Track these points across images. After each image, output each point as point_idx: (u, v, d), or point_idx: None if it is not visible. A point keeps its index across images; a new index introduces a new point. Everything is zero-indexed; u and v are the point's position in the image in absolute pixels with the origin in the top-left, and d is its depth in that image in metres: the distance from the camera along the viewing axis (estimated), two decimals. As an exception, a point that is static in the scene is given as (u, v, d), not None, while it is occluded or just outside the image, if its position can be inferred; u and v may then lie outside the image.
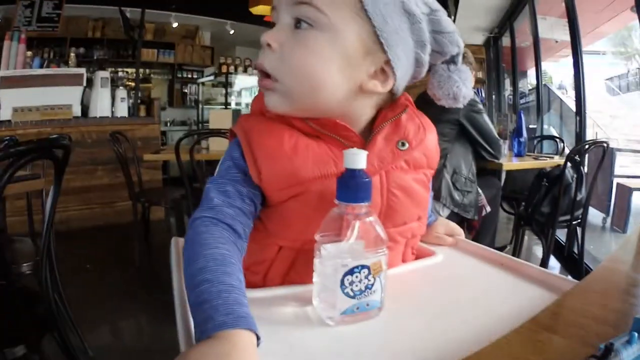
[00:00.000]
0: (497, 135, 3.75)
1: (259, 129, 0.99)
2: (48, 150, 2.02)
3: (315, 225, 0.84)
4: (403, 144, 1.02)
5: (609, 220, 6.27)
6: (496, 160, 3.77)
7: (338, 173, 0.92)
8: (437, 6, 1.03)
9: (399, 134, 1.02)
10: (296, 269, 1.00)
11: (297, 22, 0.95)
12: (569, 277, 0.99)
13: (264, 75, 0.99)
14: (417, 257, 1.17)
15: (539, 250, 5.31)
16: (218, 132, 3.94)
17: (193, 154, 3.72)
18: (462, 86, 1.10)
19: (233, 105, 9.93)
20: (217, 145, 4.39)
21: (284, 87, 0.96)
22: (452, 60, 1.10)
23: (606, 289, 0.83)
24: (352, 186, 0.76)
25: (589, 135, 5.51)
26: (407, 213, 1.05)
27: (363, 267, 0.76)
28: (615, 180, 6.25)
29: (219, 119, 4.64)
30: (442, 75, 1.10)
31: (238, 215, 0.92)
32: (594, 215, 4.17)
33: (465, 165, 3.61)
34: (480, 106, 3.64)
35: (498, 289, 1.01)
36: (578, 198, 3.90)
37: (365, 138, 1.01)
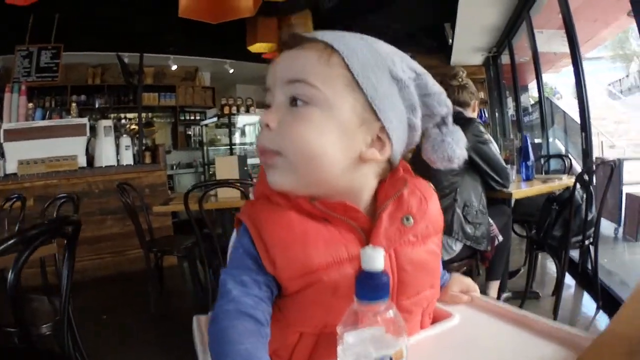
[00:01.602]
0: (504, 164, 3.74)
1: (267, 217, 0.99)
2: (58, 229, 2.03)
3: (334, 310, 0.86)
4: (408, 219, 1.03)
5: (620, 230, 6.25)
6: (505, 190, 3.75)
7: (349, 257, 0.95)
8: (422, 70, 1.06)
9: (402, 210, 1.03)
10: (319, 352, 1.00)
11: (293, 100, 0.98)
12: (583, 333, 0.99)
13: (266, 152, 1.01)
14: (434, 319, 1.16)
15: (552, 267, 5.29)
16: (226, 183, 3.96)
17: (202, 205, 3.74)
18: (456, 147, 1.12)
19: (237, 143, 9.84)
20: (226, 193, 4.36)
21: (286, 161, 0.98)
22: (443, 122, 1.12)
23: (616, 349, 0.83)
24: (371, 286, 0.76)
25: (595, 144, 5.48)
26: (420, 284, 1.05)
27: (385, 356, 0.76)
28: (625, 189, 6.23)
29: (225, 166, 4.59)
30: (436, 140, 1.12)
31: (258, 304, 0.93)
32: (605, 227, 4.17)
33: (475, 197, 3.59)
34: (486, 136, 3.64)
35: (513, 348, 1.01)
36: (589, 218, 3.88)
37: (369, 214, 1.03)
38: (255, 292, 0.94)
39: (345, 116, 0.97)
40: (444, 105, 1.08)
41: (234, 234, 1.15)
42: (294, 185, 1.00)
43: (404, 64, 1.03)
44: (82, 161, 6.76)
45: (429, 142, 1.14)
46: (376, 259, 0.75)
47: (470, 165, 3.59)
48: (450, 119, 1.12)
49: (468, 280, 1.33)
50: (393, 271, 1.00)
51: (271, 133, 0.99)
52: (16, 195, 4.52)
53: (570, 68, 5.32)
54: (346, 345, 0.78)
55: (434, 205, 1.10)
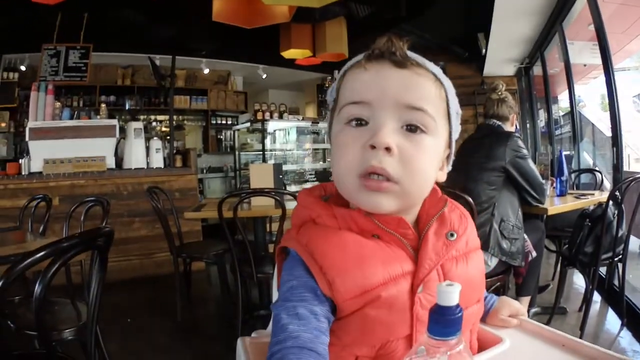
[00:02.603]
0: (541, 180, 3.73)
1: (318, 241, 0.98)
2: (92, 242, 2.01)
3: (390, 326, 0.93)
4: (452, 235, 1.05)
5: (646, 246, 6.19)
6: (540, 205, 3.74)
7: (403, 273, 0.96)
8: None
9: (446, 227, 1.06)
10: None
11: (411, 127, 0.99)
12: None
13: (384, 178, 0.97)
14: (484, 343, 1.16)
15: (579, 281, 5.35)
16: (261, 192, 3.91)
17: (236, 214, 3.74)
18: None
19: (269, 149, 9.70)
20: (260, 201, 4.35)
21: (402, 189, 0.98)
22: None
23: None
24: (445, 322, 0.74)
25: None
26: (466, 300, 1.01)
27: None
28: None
29: (259, 173, 4.50)
30: None
31: (317, 337, 0.89)
32: (631, 243, 4.10)
33: (512, 212, 3.58)
34: (525, 151, 3.63)
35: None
36: (619, 234, 3.87)
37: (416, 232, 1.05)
38: (313, 325, 0.90)
39: (443, 145, 1.06)
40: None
41: (276, 269, 1.14)
42: (398, 209, 1.01)
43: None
44: (111, 163, 6.79)
45: None
46: (453, 294, 0.74)
47: (507, 180, 3.60)
48: None
49: (516, 304, 1.32)
50: None
51: (391, 158, 0.97)
52: (41, 196, 4.53)
53: (597, 80, 5.29)
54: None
55: (471, 222, 1.14)
